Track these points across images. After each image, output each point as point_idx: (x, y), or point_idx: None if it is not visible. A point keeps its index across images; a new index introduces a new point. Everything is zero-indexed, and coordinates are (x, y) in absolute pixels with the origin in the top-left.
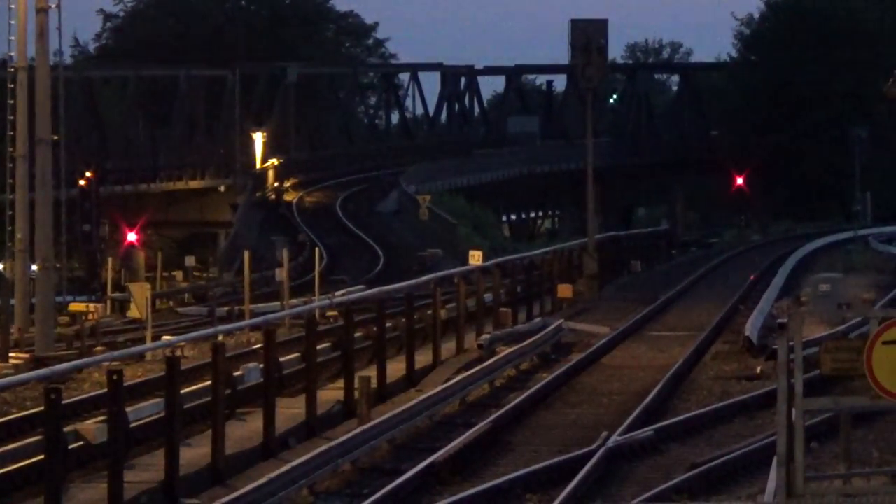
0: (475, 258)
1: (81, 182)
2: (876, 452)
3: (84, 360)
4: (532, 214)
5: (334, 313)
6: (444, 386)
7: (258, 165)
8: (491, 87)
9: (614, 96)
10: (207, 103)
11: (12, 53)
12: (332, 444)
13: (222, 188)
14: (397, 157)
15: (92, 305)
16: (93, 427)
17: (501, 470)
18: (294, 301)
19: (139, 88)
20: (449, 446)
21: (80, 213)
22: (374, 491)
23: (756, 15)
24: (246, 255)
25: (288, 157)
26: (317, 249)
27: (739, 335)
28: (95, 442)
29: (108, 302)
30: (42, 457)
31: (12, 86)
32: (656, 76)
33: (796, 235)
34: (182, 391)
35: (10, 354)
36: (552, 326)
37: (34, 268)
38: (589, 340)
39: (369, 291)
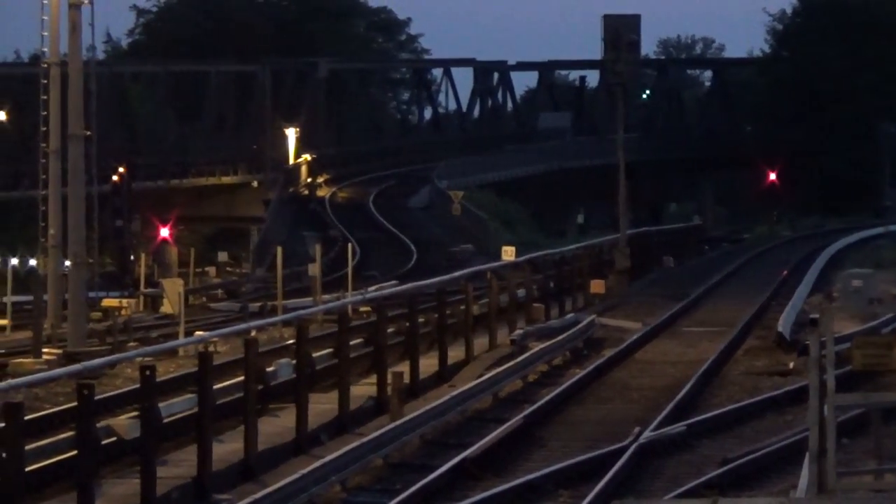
0: (508, 254)
1: (114, 178)
2: None
3: (116, 355)
4: (562, 210)
5: (367, 309)
6: (477, 381)
7: (291, 161)
8: (523, 82)
9: (646, 92)
10: (237, 99)
11: (45, 49)
12: (364, 439)
13: (255, 184)
14: (428, 152)
15: (125, 301)
16: (125, 423)
17: (533, 465)
18: (326, 297)
19: (169, 84)
20: (481, 442)
21: (111, 208)
22: (406, 487)
23: (789, 11)
24: (278, 250)
25: (318, 153)
26: (349, 245)
27: (771, 331)
28: (128, 437)
29: (141, 297)
30: (74, 452)
31: (45, 81)
32: (688, 72)
33: (826, 231)
34: (214, 387)
35: (43, 350)
36: (584, 322)
37: (67, 263)
38: (621, 336)
39: (401, 287)
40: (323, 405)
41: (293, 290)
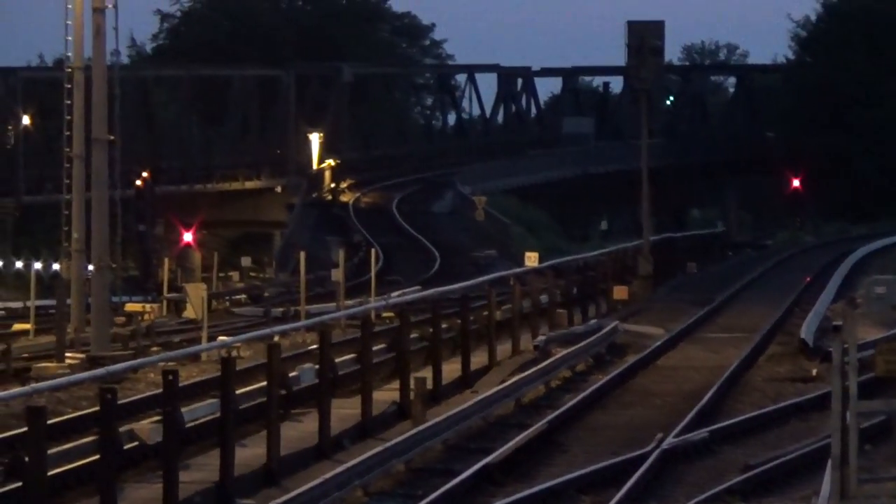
0: (531, 259)
1: (137, 182)
2: None
3: (139, 360)
4: (586, 215)
5: (390, 314)
6: (499, 387)
7: (314, 166)
8: (547, 88)
9: (670, 98)
10: (261, 103)
11: (69, 53)
12: (387, 445)
13: (279, 189)
14: (451, 157)
15: (148, 306)
16: (148, 427)
17: (556, 471)
18: (349, 302)
19: (193, 88)
20: (503, 447)
21: (134, 213)
22: (428, 492)
23: (813, 17)
24: (302, 255)
25: (342, 158)
26: (373, 250)
27: (794, 337)
28: (150, 442)
29: (164, 302)
30: (97, 457)
31: (69, 86)
32: (712, 78)
33: (850, 237)
34: (237, 392)
35: (66, 354)
36: (607, 328)
37: (90, 268)
38: (644, 342)
39: (424, 292)
40: (345, 410)
41: (316, 295)
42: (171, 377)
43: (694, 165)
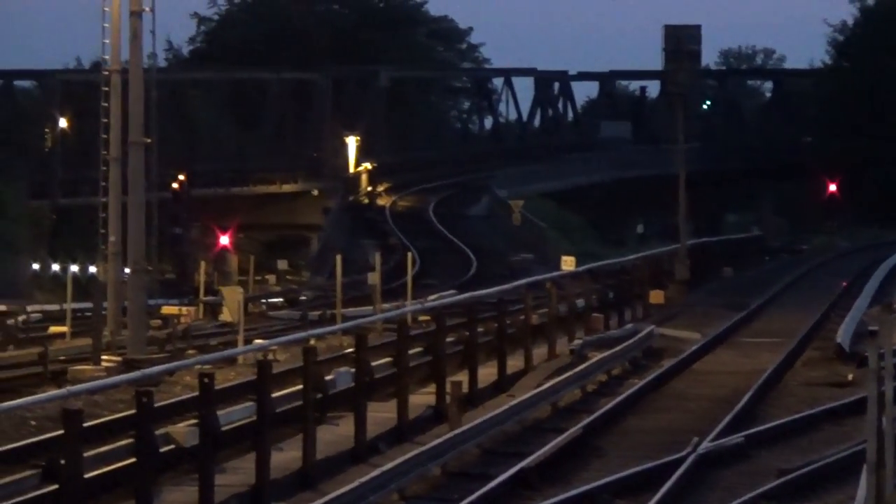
0: (568, 264)
1: (174, 185)
2: None
3: (175, 363)
4: (622, 219)
5: (426, 318)
6: (536, 391)
7: (351, 169)
8: (584, 92)
9: (707, 102)
10: (297, 106)
11: (106, 56)
12: (422, 448)
13: (315, 192)
14: (488, 161)
15: (184, 309)
16: (184, 430)
17: (591, 475)
18: (386, 305)
19: (229, 91)
20: (539, 451)
21: (170, 216)
22: (464, 496)
23: (849, 21)
24: (338, 258)
25: (378, 161)
26: (409, 254)
27: (830, 342)
28: (186, 445)
29: (200, 305)
30: (133, 460)
31: (106, 89)
32: (749, 82)
33: (886, 242)
34: (273, 395)
35: (102, 357)
36: (643, 332)
37: (126, 271)
38: (679, 346)
39: (461, 296)
40: (382, 414)
41: (352, 298)
42: (207, 380)
43: (730, 170)
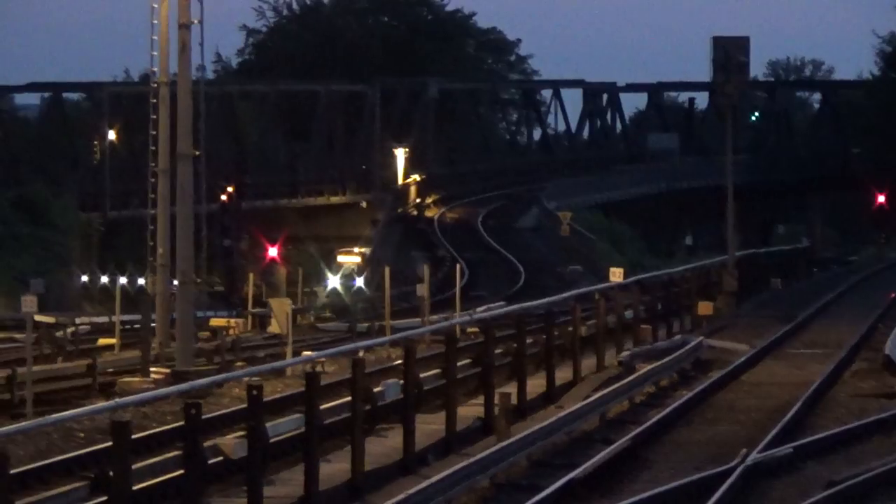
0: (616, 275)
1: (223, 197)
2: None
3: (224, 375)
4: (671, 231)
5: (474, 329)
6: (584, 402)
7: (400, 181)
8: (632, 103)
9: (755, 114)
10: (346, 118)
11: (155, 69)
12: (471, 460)
13: (364, 204)
14: (536, 173)
15: (233, 321)
16: (232, 442)
17: (640, 487)
18: (434, 317)
19: (278, 103)
20: (588, 463)
21: (219, 228)
22: None
23: None
24: (386, 270)
25: (427, 173)
26: (458, 265)
27: (879, 353)
28: (235, 457)
29: (249, 317)
30: (181, 471)
31: (154, 101)
32: (797, 94)
33: None
34: (322, 407)
35: (151, 369)
36: (692, 343)
37: (175, 283)
38: (728, 357)
39: (509, 308)
40: (430, 425)
41: (401, 310)
42: (255, 392)
43: (779, 181)
